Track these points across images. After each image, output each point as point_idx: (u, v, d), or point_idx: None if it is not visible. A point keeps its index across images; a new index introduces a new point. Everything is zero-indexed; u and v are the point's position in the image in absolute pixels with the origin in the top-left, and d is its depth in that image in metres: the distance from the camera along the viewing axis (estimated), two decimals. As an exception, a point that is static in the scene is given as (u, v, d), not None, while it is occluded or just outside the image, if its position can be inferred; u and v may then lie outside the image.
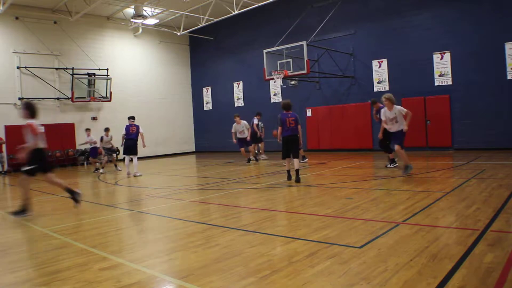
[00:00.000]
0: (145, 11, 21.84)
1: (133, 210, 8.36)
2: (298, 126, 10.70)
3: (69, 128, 22.41)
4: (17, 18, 21.00)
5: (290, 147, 10.75)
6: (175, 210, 8.25)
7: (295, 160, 10.81)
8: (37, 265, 4.90)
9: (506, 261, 4.04)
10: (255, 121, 17.94)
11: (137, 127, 15.00)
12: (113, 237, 6.30)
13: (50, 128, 21.13)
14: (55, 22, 22.33)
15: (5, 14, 19.90)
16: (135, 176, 14.78)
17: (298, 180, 10.56)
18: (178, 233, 6.20)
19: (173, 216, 7.44)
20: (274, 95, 23.51)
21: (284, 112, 10.77)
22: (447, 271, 3.89)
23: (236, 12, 20.76)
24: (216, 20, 22.51)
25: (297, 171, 10.68)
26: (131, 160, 14.98)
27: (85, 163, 22.81)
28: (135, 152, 14.97)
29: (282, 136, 10.82)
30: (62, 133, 21.93)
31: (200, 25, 23.30)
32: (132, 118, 15.34)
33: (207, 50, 27.22)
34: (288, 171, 11.14)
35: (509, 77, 16.03)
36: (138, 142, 15.06)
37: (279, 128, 10.85)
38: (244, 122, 17.24)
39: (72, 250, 5.48)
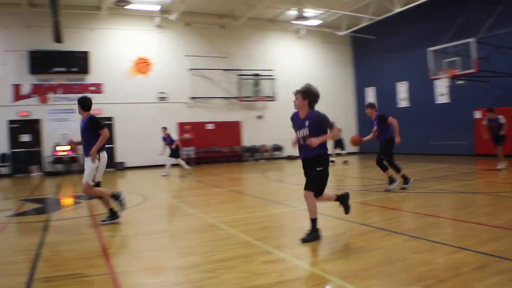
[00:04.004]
0: (307, 12, 22.01)
1: (296, 207, 8.36)
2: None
3: (235, 126, 23.56)
4: (187, 24, 22.76)
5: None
6: (337, 210, 8.04)
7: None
8: (205, 253, 5.12)
9: None
10: None
11: None
12: (276, 232, 6.40)
13: (218, 126, 22.62)
14: (222, 27, 23.65)
15: (177, 22, 21.75)
16: None
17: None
18: (340, 234, 6.08)
19: (336, 216, 7.26)
20: (440, 95, 21.98)
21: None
22: None
23: (398, 10, 19.88)
24: (377, 18, 21.78)
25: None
26: None
27: (251, 159, 23.76)
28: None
29: None
30: (229, 130, 23.17)
31: (362, 25, 22.78)
32: None
33: (369, 49, 26.47)
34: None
35: None
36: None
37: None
38: None
39: (237, 241, 5.65)
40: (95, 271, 4.69)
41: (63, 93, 20.03)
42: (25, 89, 19.46)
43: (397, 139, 9.74)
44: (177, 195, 11.68)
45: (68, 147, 18.86)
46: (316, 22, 23.95)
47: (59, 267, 4.85)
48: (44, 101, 19.75)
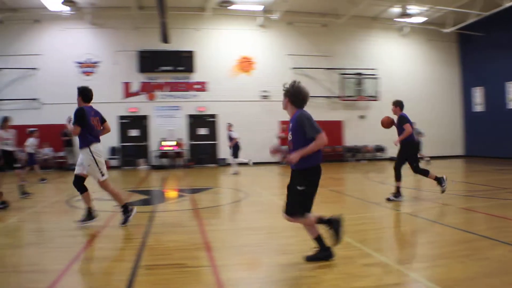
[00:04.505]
0: (411, 9, 21.17)
1: (398, 210, 8.05)
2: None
3: (337, 126, 23.26)
4: (290, 23, 22.82)
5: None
6: (440, 215, 7.70)
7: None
8: (304, 251, 4.97)
9: None
10: None
11: None
12: (377, 235, 6.24)
13: (320, 125, 22.06)
14: (324, 25, 23.41)
15: (279, 21, 21.92)
16: None
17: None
18: (443, 240, 5.80)
19: (439, 221, 6.92)
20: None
21: None
22: None
23: (508, 4, 18.29)
24: (485, 14, 20.29)
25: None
26: None
27: (353, 160, 23.31)
28: None
29: None
30: (331, 129, 22.77)
31: (469, 21, 21.39)
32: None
33: (477, 47, 24.70)
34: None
35: None
36: None
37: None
38: None
39: (337, 242, 5.50)
40: (196, 262, 4.82)
41: (170, 91, 21.06)
42: (134, 86, 20.73)
43: (396, 140, 9.00)
44: (278, 193, 11.71)
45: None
46: (421, 19, 22.92)
47: (162, 256, 5.03)
48: (151, 98, 20.89)
